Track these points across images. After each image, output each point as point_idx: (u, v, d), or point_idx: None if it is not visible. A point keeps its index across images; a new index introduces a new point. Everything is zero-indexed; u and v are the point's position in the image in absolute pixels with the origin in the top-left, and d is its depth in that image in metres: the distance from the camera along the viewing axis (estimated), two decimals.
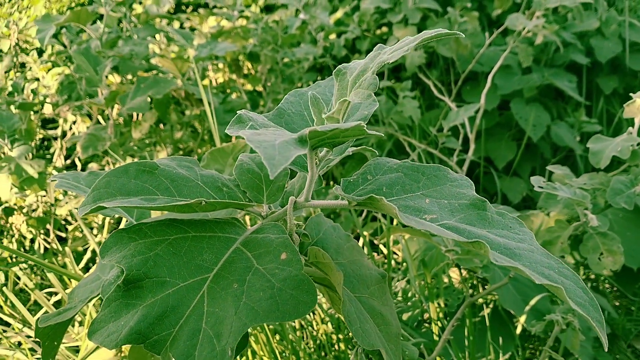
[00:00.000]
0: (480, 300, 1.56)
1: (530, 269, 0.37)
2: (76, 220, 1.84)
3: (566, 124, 2.31)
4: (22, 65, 2.74)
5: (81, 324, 1.38)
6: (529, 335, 1.47)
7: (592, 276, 1.70)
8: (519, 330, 1.31)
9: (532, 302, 1.28)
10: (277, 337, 1.32)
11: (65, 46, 2.11)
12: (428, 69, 2.70)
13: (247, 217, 1.00)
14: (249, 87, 2.71)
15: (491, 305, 1.41)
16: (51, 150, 2.68)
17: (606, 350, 0.37)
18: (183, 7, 4.03)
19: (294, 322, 1.33)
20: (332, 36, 2.89)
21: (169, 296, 0.40)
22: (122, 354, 0.85)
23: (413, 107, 2.23)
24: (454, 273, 1.60)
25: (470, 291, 1.55)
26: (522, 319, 1.27)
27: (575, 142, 2.21)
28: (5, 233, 1.89)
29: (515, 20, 1.89)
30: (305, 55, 2.50)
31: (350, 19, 2.84)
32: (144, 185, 0.45)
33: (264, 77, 2.34)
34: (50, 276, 1.45)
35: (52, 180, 0.57)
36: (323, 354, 1.35)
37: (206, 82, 2.73)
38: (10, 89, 1.85)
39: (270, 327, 1.29)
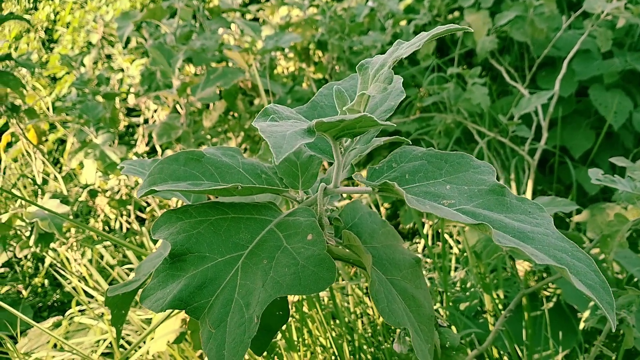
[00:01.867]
0: (547, 293, 1.52)
1: (539, 251, 0.39)
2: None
3: None
4: (108, 56, 2.95)
5: None
6: (599, 332, 1.42)
7: None
8: (582, 325, 1.27)
9: None
10: (337, 321, 1.36)
11: (146, 39, 2.26)
12: (501, 54, 2.62)
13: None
14: (319, 75, 2.76)
15: (554, 300, 1.38)
16: (135, 137, 2.88)
17: (613, 330, 0.37)
18: None
19: (350, 305, 1.37)
20: (403, 23, 2.87)
21: (208, 269, 0.45)
22: (186, 326, 0.93)
23: (482, 94, 2.17)
24: (519, 265, 1.57)
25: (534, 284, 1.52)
26: (586, 314, 1.23)
27: None
28: (92, 213, 2.07)
29: (594, 2, 1.79)
30: (373, 43, 2.51)
31: (421, 5, 2.80)
32: (191, 172, 0.50)
33: (330, 65, 2.38)
34: (129, 254, 1.58)
35: (120, 167, 0.64)
36: (380, 338, 1.38)
37: (279, 70, 2.81)
38: (96, 80, 2.01)
39: (327, 310, 1.34)
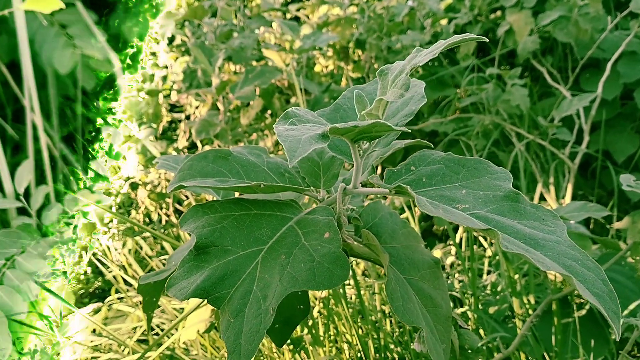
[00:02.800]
0: (582, 300, 1.49)
1: (549, 258, 0.39)
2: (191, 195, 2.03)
3: None
4: (153, 53, 3.05)
5: None
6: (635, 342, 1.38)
7: None
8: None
9: (632, 306, 1.21)
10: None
11: (189, 37, 2.33)
12: (544, 55, 2.56)
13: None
14: (358, 74, 2.76)
15: (587, 307, 1.35)
16: (177, 132, 2.96)
17: (618, 340, 0.37)
18: None
19: (376, 303, 1.38)
20: (443, 22, 2.84)
21: (230, 262, 0.47)
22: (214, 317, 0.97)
23: (521, 95, 2.14)
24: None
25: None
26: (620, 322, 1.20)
27: None
28: (134, 205, 2.15)
29: None
30: (412, 42, 2.49)
31: (462, 4, 2.77)
32: (219, 169, 0.53)
33: (368, 64, 2.38)
34: (166, 245, 1.64)
35: (155, 162, 0.68)
36: (406, 338, 1.38)
37: (318, 69, 2.83)
38: (141, 77, 2.09)
39: (356, 308, 1.35)
